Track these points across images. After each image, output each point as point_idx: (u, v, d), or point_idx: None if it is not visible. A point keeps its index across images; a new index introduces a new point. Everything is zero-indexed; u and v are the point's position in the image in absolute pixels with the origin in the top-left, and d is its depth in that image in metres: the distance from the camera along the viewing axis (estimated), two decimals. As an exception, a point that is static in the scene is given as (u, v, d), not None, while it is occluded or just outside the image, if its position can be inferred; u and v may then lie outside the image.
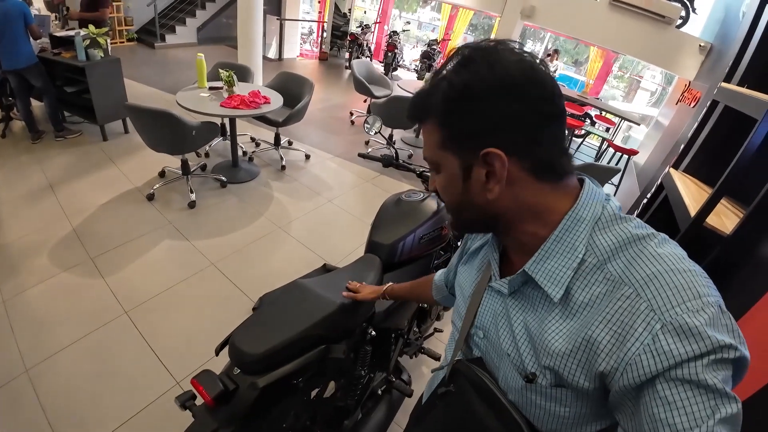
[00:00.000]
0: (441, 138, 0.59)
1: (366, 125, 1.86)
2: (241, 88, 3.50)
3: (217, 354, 1.16)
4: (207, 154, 4.03)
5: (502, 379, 0.66)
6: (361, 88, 5.16)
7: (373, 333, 1.38)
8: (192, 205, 3.17)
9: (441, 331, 2.29)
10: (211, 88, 3.47)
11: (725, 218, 1.86)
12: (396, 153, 1.93)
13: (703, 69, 5.39)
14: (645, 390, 0.47)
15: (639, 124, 7.28)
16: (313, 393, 1.30)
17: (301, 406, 1.30)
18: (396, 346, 1.62)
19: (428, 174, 1.88)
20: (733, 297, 1.67)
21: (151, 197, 3.17)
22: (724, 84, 2.11)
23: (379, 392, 1.55)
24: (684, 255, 0.52)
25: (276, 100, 3.55)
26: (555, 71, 8.32)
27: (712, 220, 1.79)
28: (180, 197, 3.27)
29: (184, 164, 3.29)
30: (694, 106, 4.43)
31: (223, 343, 1.15)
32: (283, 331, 1.09)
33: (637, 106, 12.56)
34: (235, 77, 3.37)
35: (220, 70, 3.42)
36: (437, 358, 1.96)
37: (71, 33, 3.80)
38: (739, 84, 2.09)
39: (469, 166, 0.58)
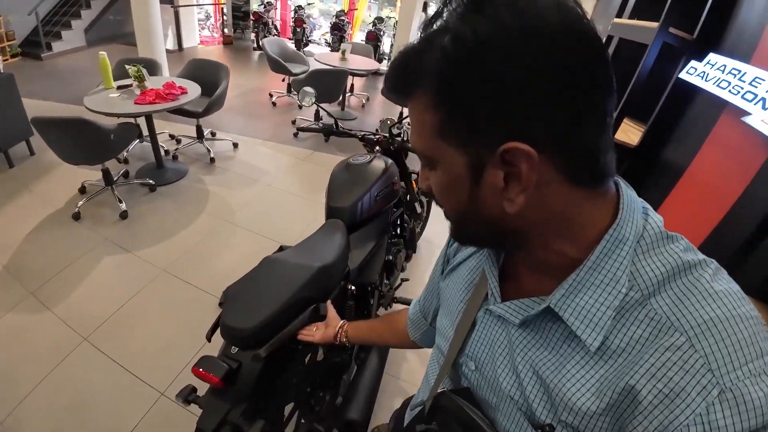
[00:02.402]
0: (438, 122, 0.42)
1: (299, 97, 1.91)
2: (153, 82, 3.29)
3: (209, 339, 1.17)
4: (126, 160, 3.75)
5: (501, 420, 0.55)
6: (276, 66, 5.01)
7: (353, 288, 1.46)
8: (124, 215, 2.98)
9: (408, 280, 2.44)
10: (119, 87, 3.22)
11: (632, 134, 2.13)
12: (336, 121, 1.96)
13: (596, 11, 5.83)
14: None
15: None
16: (307, 359, 1.36)
17: (300, 375, 1.36)
18: (374, 299, 1.72)
19: (371, 137, 1.92)
20: (648, 195, 1.96)
21: (77, 216, 2.93)
22: (616, 19, 2.35)
23: None
24: (741, 294, 0.42)
25: (193, 89, 3.38)
26: None
27: (621, 136, 2.06)
28: (109, 210, 3.06)
29: (106, 174, 3.06)
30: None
31: (213, 328, 1.16)
32: (272, 301, 1.11)
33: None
34: (144, 71, 3.15)
35: (127, 66, 3.17)
36: (409, 303, 2.08)
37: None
38: (630, 18, 2.34)
39: (481, 166, 0.42)
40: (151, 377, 1.90)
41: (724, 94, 1.54)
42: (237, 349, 1.09)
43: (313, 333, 1.11)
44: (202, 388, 1.08)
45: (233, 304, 1.13)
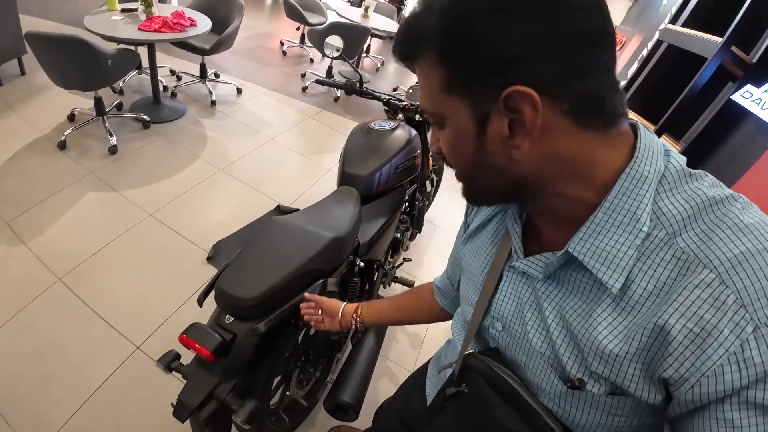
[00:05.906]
0: (443, 78, 0.43)
1: (324, 47, 1.77)
2: (161, 10, 3.01)
3: (201, 305, 1.07)
4: (121, 91, 3.51)
5: (531, 378, 0.54)
6: (293, 13, 4.69)
7: (362, 264, 1.38)
8: (113, 150, 2.79)
9: (410, 260, 2.36)
10: (123, 11, 2.94)
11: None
12: (361, 78, 1.79)
13: (630, 14, 5.63)
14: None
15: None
16: (301, 335, 1.29)
17: (294, 350, 1.28)
18: (377, 277, 1.64)
19: (396, 102, 1.77)
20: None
21: (62, 145, 2.72)
22: (670, 26, 2.20)
23: None
24: None
25: (203, 23, 3.13)
26: None
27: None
28: (97, 143, 2.86)
29: (98, 103, 2.83)
30: (619, 49, 4.65)
31: (206, 292, 1.06)
32: (277, 270, 1.02)
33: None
34: (153, -5, 2.88)
35: (135, -13, 2.90)
36: (410, 285, 2.02)
37: None
38: (683, 26, 2.19)
39: (485, 115, 0.42)
40: (127, 328, 1.79)
41: (783, 127, 1.45)
42: (232, 318, 0.99)
43: (321, 319, 0.98)
44: (187, 355, 0.99)
45: (232, 268, 1.02)
